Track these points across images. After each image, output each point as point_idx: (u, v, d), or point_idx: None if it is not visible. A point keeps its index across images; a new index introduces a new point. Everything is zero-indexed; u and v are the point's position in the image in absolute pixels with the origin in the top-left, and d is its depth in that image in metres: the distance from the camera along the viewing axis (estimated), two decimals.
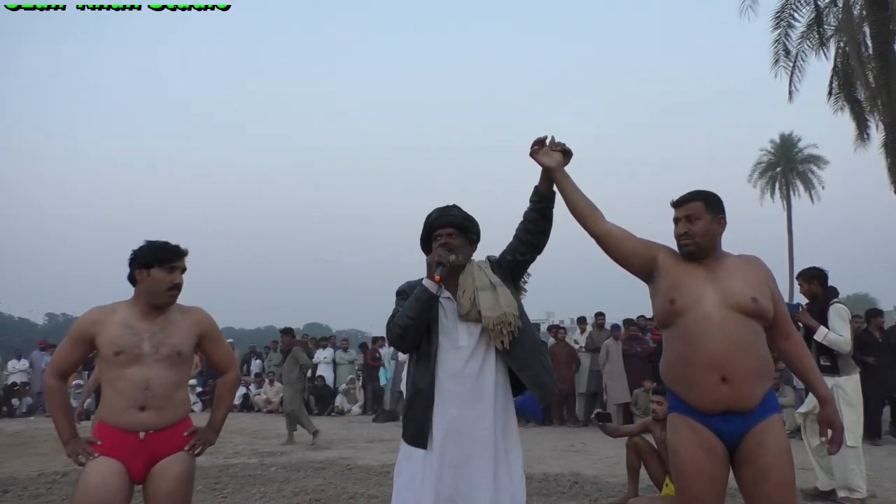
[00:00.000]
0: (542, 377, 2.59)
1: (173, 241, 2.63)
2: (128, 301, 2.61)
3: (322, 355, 14.82)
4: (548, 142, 2.60)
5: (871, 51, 12.48)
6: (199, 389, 15.26)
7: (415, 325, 2.53)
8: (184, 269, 2.61)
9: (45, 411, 15.17)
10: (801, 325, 4.79)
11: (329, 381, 14.46)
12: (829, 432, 2.43)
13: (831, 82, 14.48)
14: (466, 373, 2.52)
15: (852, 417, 4.85)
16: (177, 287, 2.59)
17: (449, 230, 2.67)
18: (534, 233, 2.64)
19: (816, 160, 41.45)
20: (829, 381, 4.24)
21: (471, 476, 2.44)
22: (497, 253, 2.78)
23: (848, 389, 4.87)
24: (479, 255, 2.80)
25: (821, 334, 4.76)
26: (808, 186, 41.55)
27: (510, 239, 2.72)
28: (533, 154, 2.60)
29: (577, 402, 11.08)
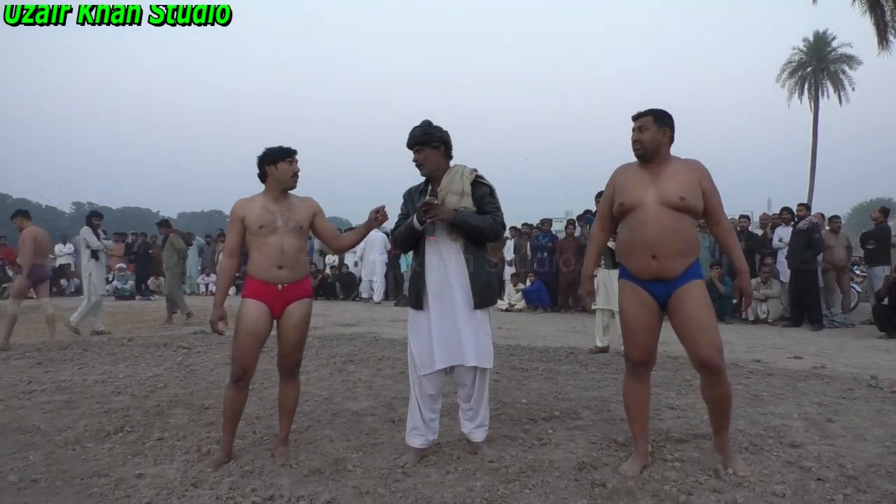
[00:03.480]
0: (479, 269, 3.33)
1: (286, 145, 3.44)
2: (261, 193, 3.44)
3: None
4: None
5: None
6: None
7: (404, 243, 3.45)
8: (297, 162, 3.43)
9: None
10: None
11: (352, 269, 15.46)
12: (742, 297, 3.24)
13: None
14: (444, 252, 3.33)
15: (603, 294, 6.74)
16: (296, 176, 3.41)
17: (415, 148, 3.37)
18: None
19: (849, 60, 40.12)
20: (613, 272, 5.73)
21: (451, 323, 3.31)
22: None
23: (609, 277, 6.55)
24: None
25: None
26: (838, 87, 40.55)
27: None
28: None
29: None
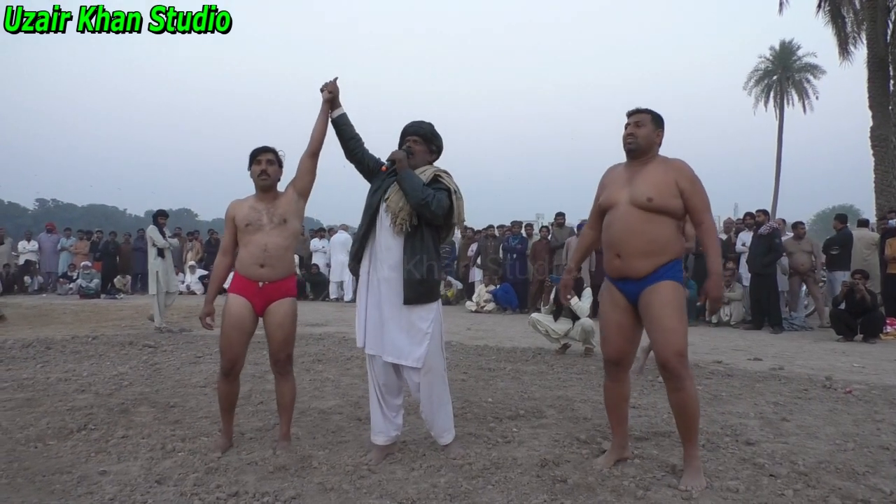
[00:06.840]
0: (416, 265, 3.24)
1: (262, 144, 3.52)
2: (254, 193, 3.54)
3: (318, 245, 15.69)
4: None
5: None
6: (200, 273, 16.24)
7: (337, 133, 3.49)
8: (269, 161, 3.46)
9: (56, 290, 16.29)
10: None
11: (323, 269, 15.41)
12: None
13: None
14: (389, 241, 3.31)
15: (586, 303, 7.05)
16: (265, 173, 3.45)
17: (414, 137, 3.46)
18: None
19: (813, 69, 41.19)
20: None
21: (379, 312, 3.33)
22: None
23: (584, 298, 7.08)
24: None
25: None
26: (803, 95, 41.57)
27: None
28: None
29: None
